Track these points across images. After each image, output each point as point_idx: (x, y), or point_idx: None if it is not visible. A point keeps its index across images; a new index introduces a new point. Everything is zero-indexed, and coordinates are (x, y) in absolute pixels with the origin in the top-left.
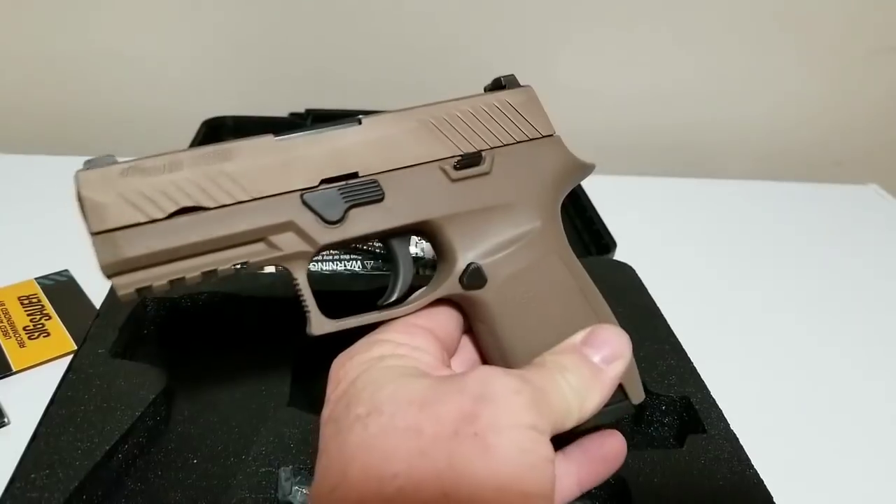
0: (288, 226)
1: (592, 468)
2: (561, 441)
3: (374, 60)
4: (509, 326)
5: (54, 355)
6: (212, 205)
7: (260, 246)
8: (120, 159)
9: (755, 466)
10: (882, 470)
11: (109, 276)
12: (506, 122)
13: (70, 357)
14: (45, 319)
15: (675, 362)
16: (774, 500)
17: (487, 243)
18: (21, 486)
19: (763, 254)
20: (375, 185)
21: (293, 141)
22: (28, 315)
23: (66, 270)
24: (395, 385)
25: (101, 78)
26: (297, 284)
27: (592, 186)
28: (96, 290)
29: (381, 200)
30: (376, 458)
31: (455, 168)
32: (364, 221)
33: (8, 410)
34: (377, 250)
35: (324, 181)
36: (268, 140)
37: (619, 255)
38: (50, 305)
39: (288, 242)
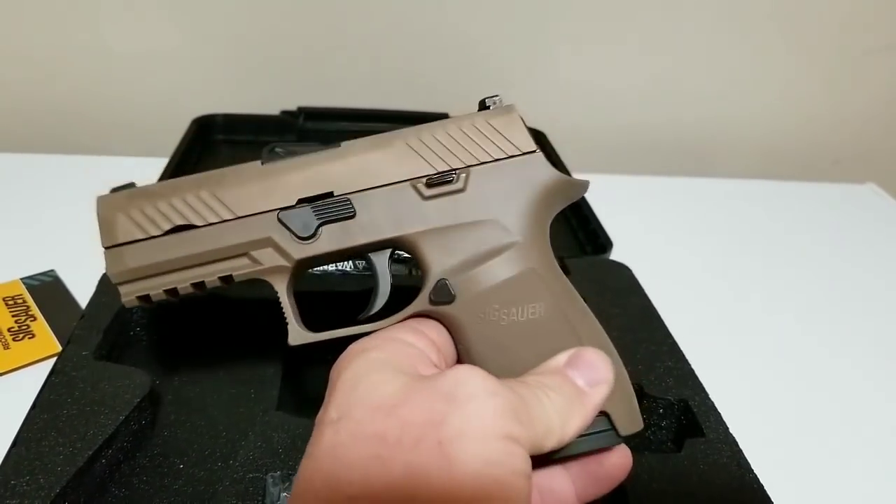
0: (267, 242)
1: (591, 482)
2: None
3: (367, 58)
4: (481, 343)
5: (39, 357)
6: (200, 223)
7: (244, 260)
8: (138, 184)
9: (755, 471)
10: (882, 472)
11: (117, 285)
12: (483, 141)
13: (54, 359)
14: (31, 321)
15: (672, 364)
16: None
17: (459, 259)
18: (0, 493)
19: (761, 253)
20: (347, 203)
21: (276, 166)
22: (13, 316)
23: (52, 270)
24: (367, 384)
25: (91, 76)
26: (279, 297)
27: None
28: (82, 290)
29: (352, 217)
30: (339, 466)
31: (427, 186)
32: (335, 237)
33: None
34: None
35: (301, 201)
36: (254, 165)
37: (616, 255)
38: (35, 306)
39: (267, 257)
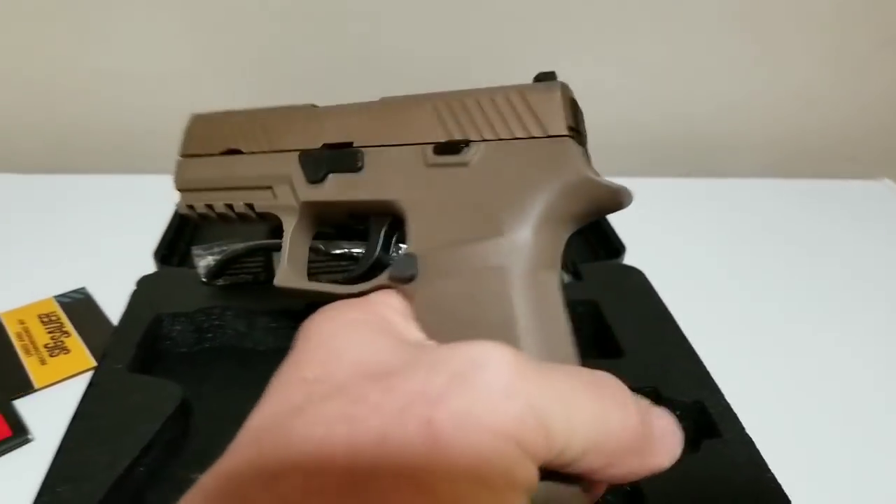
0: (286, 179)
1: None
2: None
3: (375, 72)
4: (435, 335)
5: (74, 372)
6: (245, 150)
7: (267, 193)
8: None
9: (772, 470)
10: None
11: (178, 190)
12: (510, 114)
13: (89, 373)
14: (65, 337)
15: (687, 367)
16: (792, 503)
17: (435, 238)
18: (47, 500)
19: (775, 253)
20: (359, 156)
21: (320, 110)
22: (48, 333)
23: (83, 288)
24: (358, 348)
25: (112, 97)
26: (284, 236)
27: None
28: (112, 306)
29: (358, 171)
30: (301, 423)
31: (434, 153)
32: (339, 187)
33: (31, 427)
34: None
35: (325, 146)
36: (306, 107)
37: (629, 259)
38: (69, 323)
39: (283, 194)
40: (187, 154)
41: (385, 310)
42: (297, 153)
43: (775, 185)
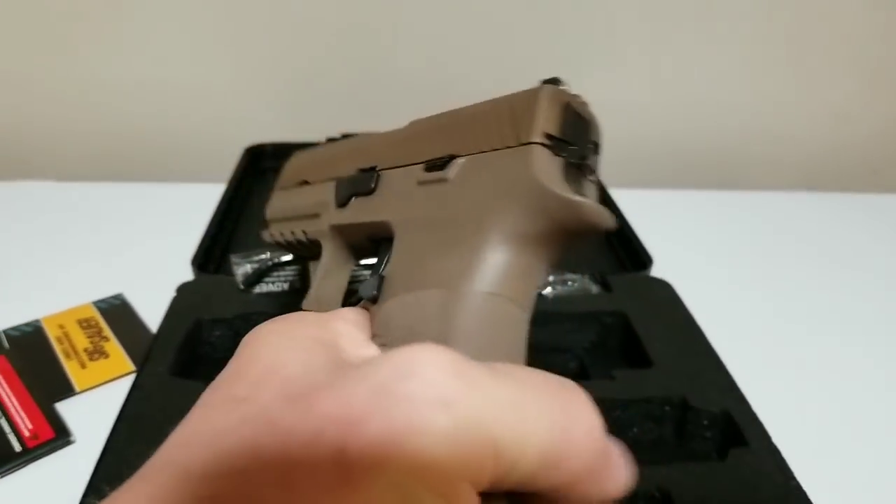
0: (326, 205)
1: None
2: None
3: (408, 85)
4: None
5: (114, 376)
6: (311, 180)
7: (316, 220)
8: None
9: (798, 478)
10: None
11: (268, 221)
12: (495, 124)
13: (128, 377)
14: (104, 341)
15: (715, 377)
16: None
17: (406, 257)
18: (94, 498)
19: (802, 265)
20: (375, 178)
21: (367, 136)
22: (88, 337)
23: (121, 294)
24: (295, 368)
25: (149, 108)
26: (320, 261)
27: (626, 201)
28: (148, 313)
29: (371, 193)
30: (212, 450)
31: (424, 170)
32: (356, 210)
33: (73, 429)
34: None
35: (359, 171)
36: (366, 134)
37: (656, 271)
38: (107, 328)
39: (324, 219)
40: (278, 188)
41: (343, 325)
42: (336, 181)
43: (800, 198)
